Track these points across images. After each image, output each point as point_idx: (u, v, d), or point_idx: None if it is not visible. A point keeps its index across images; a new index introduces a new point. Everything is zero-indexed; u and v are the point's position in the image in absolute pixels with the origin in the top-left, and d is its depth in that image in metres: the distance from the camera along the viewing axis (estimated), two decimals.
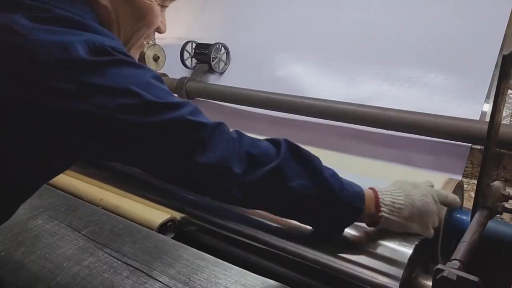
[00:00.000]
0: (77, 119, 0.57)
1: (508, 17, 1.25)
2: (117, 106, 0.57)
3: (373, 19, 1.46)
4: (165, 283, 0.74)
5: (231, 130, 0.69)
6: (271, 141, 0.70)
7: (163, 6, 0.77)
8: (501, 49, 1.23)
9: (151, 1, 0.72)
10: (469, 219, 0.90)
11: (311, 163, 0.70)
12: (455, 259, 0.61)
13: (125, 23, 0.71)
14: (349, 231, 0.83)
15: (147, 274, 0.77)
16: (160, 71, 1.77)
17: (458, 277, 0.56)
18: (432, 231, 0.79)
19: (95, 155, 0.68)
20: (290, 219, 0.78)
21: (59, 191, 1.11)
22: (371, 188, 0.77)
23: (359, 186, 0.75)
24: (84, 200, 1.07)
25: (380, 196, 0.75)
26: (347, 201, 0.71)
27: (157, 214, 0.99)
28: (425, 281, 0.76)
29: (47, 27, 0.57)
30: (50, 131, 0.59)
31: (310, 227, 0.82)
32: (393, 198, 0.75)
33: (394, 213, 0.75)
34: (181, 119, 0.60)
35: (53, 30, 0.57)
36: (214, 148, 0.62)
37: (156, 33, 1.74)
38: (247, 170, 0.64)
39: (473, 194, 1.12)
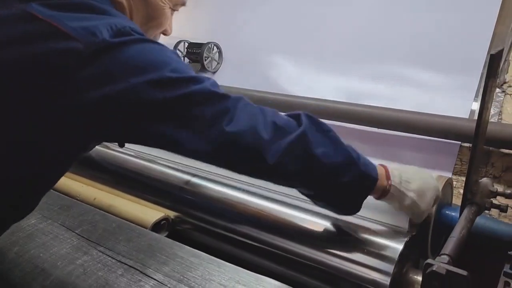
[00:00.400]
0: (111, 103, 0.58)
1: (497, 16, 1.27)
2: (146, 83, 0.58)
3: (364, 19, 1.48)
4: (159, 280, 0.75)
5: None
6: (290, 115, 0.72)
7: (174, 10, 0.80)
8: (490, 49, 1.25)
9: (164, 4, 0.75)
10: (458, 216, 0.92)
11: (330, 132, 0.72)
12: (444, 254, 0.62)
13: (137, 21, 0.73)
14: (340, 226, 0.85)
15: (141, 272, 0.77)
16: None
17: (447, 271, 0.58)
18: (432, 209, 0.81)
19: (129, 138, 0.67)
20: (314, 191, 0.76)
21: (52, 190, 1.10)
22: (380, 164, 0.79)
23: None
24: (77, 200, 1.07)
25: (389, 170, 0.78)
26: (364, 170, 0.73)
27: (150, 213, 1.00)
28: (416, 276, 0.78)
29: (68, 14, 0.58)
30: (81, 120, 0.59)
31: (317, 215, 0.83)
32: (402, 172, 0.79)
33: (403, 184, 0.77)
34: (206, 90, 0.62)
35: (75, 17, 0.58)
36: (240, 117, 0.64)
37: None
38: (274, 137, 0.65)
39: (462, 191, 1.14)
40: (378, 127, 1.25)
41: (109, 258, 0.82)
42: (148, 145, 0.69)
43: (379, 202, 0.87)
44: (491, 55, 0.68)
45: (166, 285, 0.74)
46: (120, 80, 0.57)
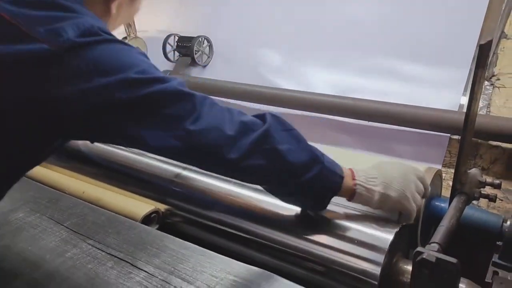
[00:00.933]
0: (77, 102, 0.59)
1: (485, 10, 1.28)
2: (111, 83, 0.59)
3: (354, 12, 1.48)
4: (150, 272, 0.74)
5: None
6: (256, 115, 0.74)
7: None
8: (479, 41, 1.26)
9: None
10: (447, 206, 0.93)
11: (294, 131, 0.75)
12: (434, 242, 0.63)
13: (118, 22, 0.78)
14: (331, 217, 0.85)
15: (131, 264, 0.77)
16: None
17: (437, 259, 0.58)
18: (413, 204, 0.79)
19: (96, 137, 0.69)
20: (280, 190, 0.80)
21: (40, 184, 1.09)
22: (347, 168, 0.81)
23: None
24: (66, 193, 1.06)
25: (354, 170, 0.80)
26: (329, 167, 0.75)
27: (140, 206, 0.99)
28: (406, 266, 0.78)
29: (36, 13, 0.58)
30: (47, 117, 0.60)
31: (294, 212, 0.83)
32: (366, 170, 0.80)
33: (369, 182, 0.78)
34: (172, 90, 0.64)
35: (43, 16, 0.59)
36: (205, 116, 0.66)
37: (138, 26, 1.73)
38: (239, 134, 0.68)
39: (451, 183, 1.15)
40: (368, 120, 1.25)
41: (99, 251, 0.81)
42: (114, 143, 0.72)
43: None
44: (481, 45, 0.69)
45: (157, 277, 0.73)
46: (85, 80, 0.59)
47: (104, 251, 0.81)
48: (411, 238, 0.93)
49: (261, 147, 0.70)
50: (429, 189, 0.85)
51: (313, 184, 0.74)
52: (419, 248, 0.60)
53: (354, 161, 1.06)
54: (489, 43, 0.71)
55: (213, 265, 0.76)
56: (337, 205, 0.90)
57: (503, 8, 1.28)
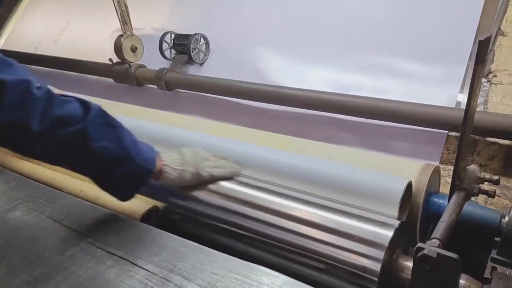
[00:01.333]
0: None
1: (482, 7, 1.28)
2: None
3: (350, 10, 1.48)
4: (150, 270, 0.74)
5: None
6: (82, 102, 0.79)
7: None
8: (475, 40, 1.26)
9: None
10: (446, 203, 0.94)
11: (117, 128, 0.82)
12: (435, 238, 0.63)
13: None
14: (331, 215, 0.85)
15: (131, 263, 0.76)
16: (138, 62, 1.75)
17: (438, 254, 0.58)
18: (205, 174, 0.97)
19: None
20: (89, 176, 0.88)
21: (37, 183, 1.09)
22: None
23: (155, 153, 0.92)
24: (63, 192, 1.05)
25: (162, 157, 0.93)
26: (141, 164, 0.85)
27: (139, 204, 0.99)
28: (406, 262, 0.79)
29: None
30: None
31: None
32: (171, 155, 0.95)
33: (174, 163, 0.93)
34: None
35: None
36: (9, 106, 0.69)
37: (133, 23, 1.72)
38: (50, 128, 0.72)
39: (449, 180, 1.15)
40: (365, 117, 1.25)
41: (98, 250, 0.81)
42: None
43: (369, 190, 0.89)
44: (479, 41, 0.69)
45: (157, 275, 0.73)
46: None
47: (103, 250, 0.81)
48: (410, 234, 0.93)
49: (73, 143, 0.76)
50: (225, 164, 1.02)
51: (123, 179, 0.84)
52: (419, 244, 0.61)
53: (351, 158, 1.07)
54: (488, 39, 0.72)
55: (213, 263, 0.75)
56: (336, 201, 0.91)
57: (499, 5, 1.28)
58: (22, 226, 0.89)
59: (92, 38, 2.17)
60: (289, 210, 0.88)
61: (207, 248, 0.81)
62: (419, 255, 0.59)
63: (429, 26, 1.34)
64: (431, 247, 0.59)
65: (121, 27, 1.67)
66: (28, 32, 2.49)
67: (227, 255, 0.78)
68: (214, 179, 0.99)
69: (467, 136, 0.75)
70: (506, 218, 0.88)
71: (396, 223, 0.80)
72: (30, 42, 2.42)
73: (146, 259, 0.77)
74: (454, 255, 0.59)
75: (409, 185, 0.90)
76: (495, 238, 0.92)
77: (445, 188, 1.13)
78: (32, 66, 2.18)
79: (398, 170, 0.97)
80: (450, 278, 0.60)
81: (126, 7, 1.64)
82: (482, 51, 0.69)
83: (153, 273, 0.73)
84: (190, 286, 0.70)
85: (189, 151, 0.99)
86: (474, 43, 1.26)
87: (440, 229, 0.65)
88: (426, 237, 1.00)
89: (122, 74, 1.73)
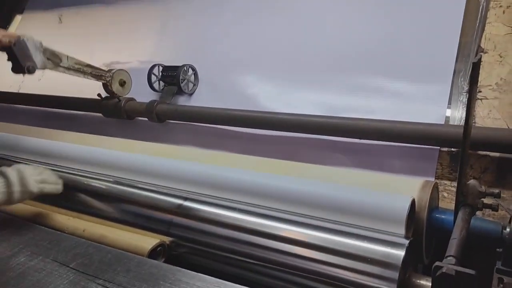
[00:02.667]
0: None
1: (460, 26, 1.35)
2: None
3: (331, 34, 1.53)
4: None
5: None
6: None
7: None
8: (457, 58, 1.32)
9: None
10: (446, 218, 0.96)
11: None
12: (450, 256, 0.64)
13: None
14: (341, 239, 0.86)
15: None
16: (127, 96, 1.75)
17: (456, 272, 0.60)
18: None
19: None
20: None
21: (37, 225, 1.07)
22: None
23: None
24: (66, 233, 1.04)
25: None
26: None
27: (145, 240, 0.98)
28: (418, 280, 0.80)
29: None
30: None
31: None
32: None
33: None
34: None
35: None
36: None
37: (119, 58, 1.74)
38: None
39: (445, 194, 1.19)
40: (359, 138, 1.28)
41: None
42: None
43: (373, 210, 0.90)
44: (473, 63, 0.73)
45: None
46: None
47: None
48: (416, 251, 0.95)
49: None
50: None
51: None
52: (437, 263, 0.62)
53: (348, 179, 1.09)
54: (480, 60, 0.75)
55: None
56: (342, 224, 0.92)
57: (477, 24, 1.35)
58: (27, 272, 0.87)
59: None
60: (298, 236, 0.89)
61: (222, 280, 0.80)
62: (438, 273, 0.61)
63: (411, 47, 1.39)
64: (448, 265, 0.61)
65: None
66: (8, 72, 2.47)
67: (243, 286, 0.78)
68: (43, 193, 1.07)
69: (467, 153, 0.78)
70: (508, 229, 0.91)
71: (406, 242, 0.82)
72: (13, 81, 2.40)
73: None
74: (472, 271, 0.60)
75: (413, 202, 0.92)
76: (497, 249, 0.95)
77: (442, 203, 1.16)
78: (18, 106, 2.15)
79: (398, 188, 1.00)
80: None
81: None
82: (476, 71, 0.73)
83: None
84: None
85: (12, 170, 1.04)
86: (457, 60, 1.32)
87: (453, 246, 0.67)
88: (430, 252, 1.02)
89: (112, 109, 1.73)
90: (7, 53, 1.39)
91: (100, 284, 0.82)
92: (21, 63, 1.40)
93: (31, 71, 1.41)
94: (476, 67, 0.72)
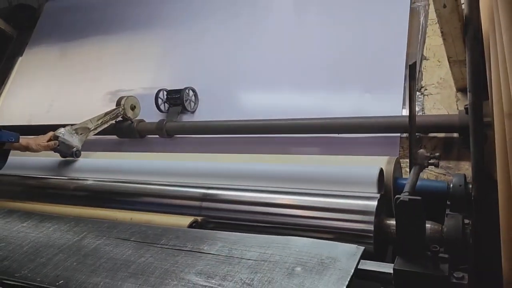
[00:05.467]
0: None
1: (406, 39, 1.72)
2: None
3: (300, 50, 1.88)
4: (215, 253, 1.02)
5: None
6: None
7: None
8: (406, 66, 1.68)
9: None
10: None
11: None
12: (405, 191, 0.97)
13: None
14: (331, 200, 1.18)
15: (198, 252, 1.04)
16: (138, 118, 2.04)
17: (409, 199, 0.92)
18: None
19: None
20: None
21: (90, 219, 1.34)
22: None
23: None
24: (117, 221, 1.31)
25: None
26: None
27: (183, 219, 1.27)
28: (389, 221, 1.12)
29: None
30: None
31: None
32: None
33: None
34: None
35: None
36: None
37: (124, 85, 2.15)
38: None
39: (407, 170, 1.52)
40: (338, 133, 1.62)
41: (169, 250, 1.08)
42: None
43: (352, 178, 1.23)
44: (409, 65, 1.07)
45: (221, 255, 1.01)
46: None
47: (173, 248, 1.08)
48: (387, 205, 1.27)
49: None
50: None
51: None
52: (397, 196, 0.94)
53: (329, 162, 1.42)
54: (414, 63, 1.10)
55: (258, 240, 1.05)
56: (330, 191, 1.24)
57: (420, 37, 1.73)
58: (99, 247, 1.14)
59: (85, 102, 2.43)
60: (299, 202, 1.20)
61: (247, 234, 1.10)
62: (398, 202, 0.93)
63: (365, 59, 1.75)
64: (404, 196, 0.93)
65: None
66: (19, 106, 2.72)
67: (266, 235, 1.08)
68: None
69: (414, 129, 1.12)
70: (451, 185, 1.25)
71: (377, 196, 1.14)
72: (21, 115, 2.64)
73: (209, 248, 1.05)
74: (419, 198, 0.92)
75: (381, 171, 1.25)
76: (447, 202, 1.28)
77: (404, 176, 1.50)
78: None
79: (368, 164, 1.33)
80: (418, 215, 0.93)
81: None
82: (412, 71, 1.07)
83: (219, 254, 1.02)
84: (248, 256, 0.99)
85: None
86: (406, 67, 1.68)
87: (408, 186, 0.99)
88: None
89: (126, 130, 2.02)
90: (53, 151, 1.74)
91: (159, 247, 1.10)
92: (67, 153, 1.74)
93: (77, 155, 1.75)
94: (411, 68, 1.07)
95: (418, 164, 1.14)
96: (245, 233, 1.22)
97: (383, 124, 1.53)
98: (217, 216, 1.29)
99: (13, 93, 2.79)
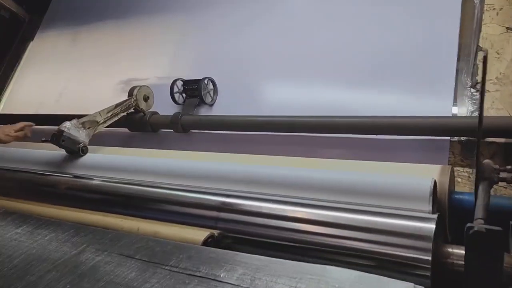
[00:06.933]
0: None
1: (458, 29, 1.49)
2: None
3: (347, 41, 1.67)
4: (235, 283, 0.84)
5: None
6: None
7: None
8: (458, 58, 1.46)
9: None
10: (465, 198, 1.08)
11: None
12: (479, 218, 0.76)
13: None
14: (377, 219, 0.98)
15: (214, 280, 0.86)
16: (151, 110, 1.87)
17: (486, 229, 0.71)
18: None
19: None
20: None
21: (94, 227, 1.17)
22: None
23: None
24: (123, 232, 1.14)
25: None
26: None
27: (196, 233, 1.08)
28: (449, 249, 0.91)
29: None
30: None
31: None
32: None
33: None
34: None
35: None
36: None
37: (136, 74, 1.96)
38: None
39: (459, 180, 1.31)
40: (376, 134, 1.41)
41: (179, 274, 0.90)
42: None
43: (398, 191, 1.02)
44: (484, 56, 0.85)
45: (242, 286, 0.83)
46: None
47: (183, 273, 0.90)
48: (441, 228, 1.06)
49: None
50: None
51: None
52: (469, 224, 0.74)
53: (370, 169, 1.21)
54: (486, 55, 0.88)
55: (288, 269, 0.86)
56: (377, 207, 1.04)
57: (474, 26, 1.49)
58: (98, 264, 0.97)
59: (96, 91, 2.27)
60: (340, 220, 1.00)
61: (276, 259, 0.91)
62: (471, 232, 0.72)
63: (415, 51, 1.53)
64: (479, 225, 0.73)
65: None
66: (28, 94, 2.58)
67: (298, 262, 0.88)
68: None
69: (481, 136, 0.91)
70: None
71: (435, 216, 0.94)
72: (30, 104, 2.49)
73: (226, 275, 0.87)
74: (499, 228, 0.72)
75: (434, 183, 1.04)
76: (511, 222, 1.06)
77: (458, 188, 1.28)
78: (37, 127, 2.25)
79: (416, 172, 1.12)
80: (497, 249, 0.73)
81: None
82: (485, 66, 0.85)
83: (238, 285, 0.83)
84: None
85: None
86: (458, 59, 1.45)
87: (480, 211, 0.79)
88: (451, 231, 1.14)
89: (137, 123, 1.84)
90: (58, 147, 1.53)
91: (167, 269, 0.92)
92: (73, 149, 1.54)
93: (84, 151, 1.55)
94: (485, 61, 0.85)
95: (486, 179, 0.93)
96: (270, 251, 1.04)
97: (430, 125, 1.31)
98: (236, 230, 1.10)
99: (23, 79, 2.65)
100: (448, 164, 1.33)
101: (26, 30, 2.87)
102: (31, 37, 2.78)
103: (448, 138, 1.35)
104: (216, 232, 1.11)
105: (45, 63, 2.59)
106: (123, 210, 1.25)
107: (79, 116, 2.06)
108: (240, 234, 1.10)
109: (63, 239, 1.12)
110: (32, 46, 2.73)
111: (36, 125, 2.27)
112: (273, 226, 1.07)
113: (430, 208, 0.99)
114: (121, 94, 2.06)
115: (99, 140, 2.08)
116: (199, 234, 1.08)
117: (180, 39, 2.12)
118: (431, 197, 0.99)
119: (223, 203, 1.16)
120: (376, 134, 1.42)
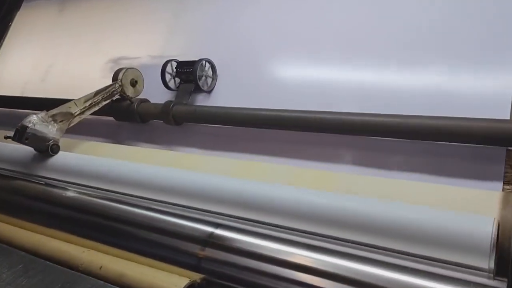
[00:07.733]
0: None
1: None
2: None
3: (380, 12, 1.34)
4: None
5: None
6: None
7: None
8: None
9: None
10: None
11: None
12: None
13: None
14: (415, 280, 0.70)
15: None
16: (139, 97, 1.59)
17: None
18: None
19: None
20: None
21: (48, 262, 0.93)
22: None
23: None
24: (79, 271, 0.89)
25: None
26: None
27: (173, 280, 0.84)
28: None
29: None
30: None
31: None
32: None
33: None
34: None
35: None
36: None
37: (127, 53, 1.61)
38: None
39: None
40: (413, 139, 1.11)
41: None
42: None
43: (456, 243, 0.74)
44: None
45: None
46: None
47: None
48: None
49: None
50: None
51: None
52: None
53: (405, 192, 0.93)
54: None
55: None
56: (419, 257, 0.76)
57: None
58: None
59: (83, 71, 2.01)
60: (361, 277, 0.73)
61: None
62: None
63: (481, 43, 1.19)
64: None
65: None
66: (10, 73, 2.34)
67: None
68: None
69: None
70: None
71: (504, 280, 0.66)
72: (15, 84, 2.25)
73: None
74: None
75: (498, 225, 0.75)
76: None
77: None
78: (21, 111, 2.01)
79: (464, 198, 0.84)
80: None
81: None
82: None
83: None
84: None
85: None
86: None
87: None
88: None
89: (124, 111, 1.57)
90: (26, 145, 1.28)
91: None
92: (42, 148, 1.28)
93: (55, 150, 1.29)
94: None
95: None
96: None
97: (484, 130, 1.01)
98: (225, 276, 0.84)
99: (7, 55, 2.40)
100: (504, 181, 1.03)
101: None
102: (18, 7, 2.51)
103: (504, 147, 1.05)
104: (198, 277, 0.85)
105: (30, 38, 2.33)
106: (86, 231, 1.01)
107: (64, 101, 1.82)
108: (231, 281, 0.84)
109: (7, 278, 0.88)
110: (18, 17, 2.46)
111: (21, 109, 2.03)
112: (278, 275, 0.80)
113: (490, 265, 0.70)
114: (109, 75, 1.78)
115: (82, 128, 1.84)
116: (177, 282, 0.83)
117: (175, 14, 1.81)
118: (493, 254, 0.70)
119: (211, 235, 0.89)
120: (413, 139, 1.12)
